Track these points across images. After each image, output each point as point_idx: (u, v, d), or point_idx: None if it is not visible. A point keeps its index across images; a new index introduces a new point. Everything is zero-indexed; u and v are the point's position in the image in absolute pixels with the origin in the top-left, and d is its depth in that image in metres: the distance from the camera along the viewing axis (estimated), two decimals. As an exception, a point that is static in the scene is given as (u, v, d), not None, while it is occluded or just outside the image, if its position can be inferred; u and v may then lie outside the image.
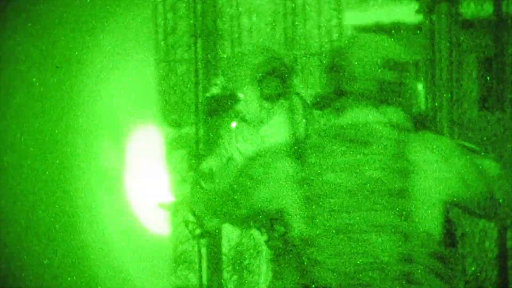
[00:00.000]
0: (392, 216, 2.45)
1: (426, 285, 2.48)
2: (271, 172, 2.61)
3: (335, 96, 2.62)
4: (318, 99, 2.78)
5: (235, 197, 2.68)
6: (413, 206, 2.46)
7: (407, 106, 2.62)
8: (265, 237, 3.27)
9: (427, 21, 5.35)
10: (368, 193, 2.48)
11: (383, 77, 2.56)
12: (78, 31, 3.34)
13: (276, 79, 3.41)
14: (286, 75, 3.42)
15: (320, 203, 2.50)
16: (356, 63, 2.57)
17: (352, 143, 2.53)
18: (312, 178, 2.52)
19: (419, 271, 2.45)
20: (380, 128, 2.54)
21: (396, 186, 2.46)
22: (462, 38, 5.34)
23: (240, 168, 2.75)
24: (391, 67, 2.55)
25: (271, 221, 3.01)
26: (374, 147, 2.50)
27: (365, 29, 13.09)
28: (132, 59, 3.37)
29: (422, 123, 2.62)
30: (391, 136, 2.53)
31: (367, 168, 2.49)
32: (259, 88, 3.41)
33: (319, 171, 2.52)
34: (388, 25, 12.25)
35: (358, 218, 2.48)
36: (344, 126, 2.57)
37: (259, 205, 2.66)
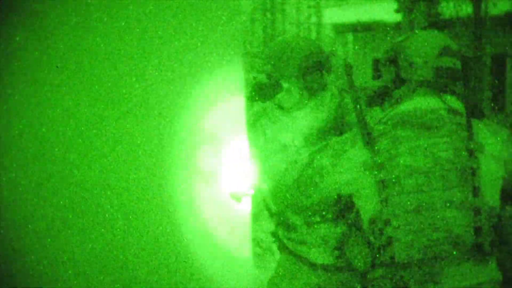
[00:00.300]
0: (463, 193, 2.65)
1: (494, 255, 2.68)
2: (341, 161, 2.77)
3: (394, 86, 2.82)
4: (376, 90, 2.93)
5: (303, 188, 2.85)
6: (481, 183, 2.66)
7: (462, 94, 2.79)
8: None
9: (406, 20, 5.42)
10: (440, 172, 2.67)
11: (440, 64, 2.76)
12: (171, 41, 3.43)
13: (319, 71, 3.52)
14: (327, 68, 3.54)
15: (395, 185, 2.66)
16: (415, 53, 2.77)
17: (420, 128, 2.71)
18: (385, 162, 2.68)
19: (487, 242, 2.64)
20: (444, 113, 2.72)
21: (466, 164, 2.66)
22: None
23: (307, 161, 2.89)
24: (447, 54, 2.74)
25: (342, 210, 3.13)
26: (442, 131, 2.69)
27: (344, 27, 13.13)
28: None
29: (477, 111, 2.78)
30: (455, 120, 2.72)
31: (438, 149, 2.68)
32: (303, 79, 3.50)
33: (391, 156, 2.68)
34: (367, 23, 12.30)
35: (431, 196, 2.66)
36: (409, 112, 2.74)
37: (328, 193, 2.82)
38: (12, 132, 3.25)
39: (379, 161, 2.69)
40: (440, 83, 2.77)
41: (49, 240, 3.33)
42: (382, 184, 2.67)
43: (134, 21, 3.35)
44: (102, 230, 3.38)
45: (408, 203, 2.66)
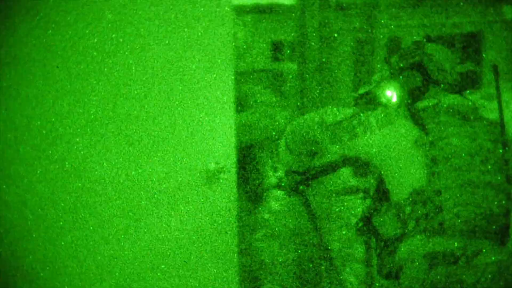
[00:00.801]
0: (499, 178, 2.99)
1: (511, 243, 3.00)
2: (388, 128, 3.04)
3: (425, 87, 3.14)
4: (411, 90, 3.18)
5: (339, 133, 3.09)
6: None
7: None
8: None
9: (299, 3, 5.38)
10: (482, 157, 3.00)
11: (464, 69, 3.12)
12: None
13: None
14: None
15: (446, 161, 2.97)
16: (443, 59, 3.12)
17: (461, 118, 3.03)
18: (436, 141, 2.99)
19: (510, 228, 3.00)
20: (474, 109, 3.08)
21: (501, 155, 3.00)
22: (333, 20, 5.40)
23: (351, 113, 3.12)
24: (468, 60, 3.08)
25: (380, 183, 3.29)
26: (479, 122, 3.06)
27: (243, 9, 13.12)
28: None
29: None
30: (484, 115, 3.07)
31: (479, 137, 3.02)
32: None
33: (441, 136, 3.00)
34: (266, 6, 12.33)
35: (474, 176, 2.99)
36: (448, 104, 3.06)
37: (358, 150, 3.10)
38: (12, 132, 3.29)
39: (432, 139, 2.99)
40: (462, 87, 3.11)
41: (48, 240, 3.36)
42: (433, 160, 2.96)
43: (135, 19, 3.42)
44: (102, 230, 3.44)
45: (455, 178, 2.96)
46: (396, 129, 3.07)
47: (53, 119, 3.35)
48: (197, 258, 3.62)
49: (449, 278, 2.96)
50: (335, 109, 3.21)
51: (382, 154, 3.08)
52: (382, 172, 3.11)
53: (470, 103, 3.10)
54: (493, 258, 2.95)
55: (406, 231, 3.02)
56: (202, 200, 3.60)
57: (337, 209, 5.07)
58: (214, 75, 3.61)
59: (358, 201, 4.87)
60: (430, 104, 3.10)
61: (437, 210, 2.98)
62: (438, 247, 2.97)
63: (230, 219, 3.67)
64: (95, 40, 3.37)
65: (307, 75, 5.45)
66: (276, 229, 4.94)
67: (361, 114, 3.13)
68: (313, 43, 5.24)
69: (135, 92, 3.48)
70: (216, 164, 3.53)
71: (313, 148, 3.28)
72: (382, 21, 6.13)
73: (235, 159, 3.63)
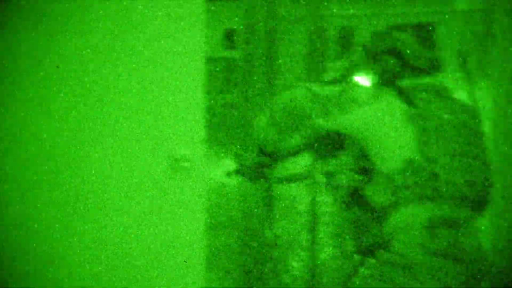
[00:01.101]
0: (478, 150, 3.11)
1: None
2: (376, 104, 3.13)
3: (402, 71, 3.22)
4: (387, 74, 3.25)
5: (329, 107, 3.16)
6: (487, 145, 3.16)
7: None
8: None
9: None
10: (466, 129, 3.13)
11: (432, 55, 3.19)
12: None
13: None
14: None
15: (436, 132, 3.09)
16: (416, 45, 3.23)
17: (439, 95, 3.17)
18: (426, 114, 3.10)
19: (487, 198, 3.14)
20: (446, 89, 3.21)
21: (478, 129, 3.15)
22: (283, 8, 5.41)
23: (339, 90, 3.18)
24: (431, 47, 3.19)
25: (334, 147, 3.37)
26: (456, 99, 3.19)
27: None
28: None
29: None
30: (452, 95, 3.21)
31: (457, 112, 3.15)
32: None
33: (428, 109, 3.12)
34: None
35: (460, 147, 3.09)
36: (427, 84, 3.20)
37: (343, 125, 3.15)
38: (12, 132, 3.30)
39: (421, 112, 3.09)
40: (430, 71, 3.22)
41: (48, 240, 3.36)
42: (424, 130, 3.08)
43: (134, 19, 3.42)
44: (102, 230, 3.43)
45: (448, 147, 3.07)
46: (384, 104, 3.12)
47: (53, 119, 3.36)
48: (164, 250, 3.64)
49: (450, 242, 3.01)
50: (321, 84, 3.27)
51: (371, 128, 3.13)
52: (369, 146, 3.15)
53: (441, 84, 3.23)
54: (487, 225, 3.08)
55: (399, 199, 3.06)
56: (169, 190, 3.61)
57: (282, 196, 5.09)
58: (184, 61, 3.63)
59: (304, 189, 4.89)
60: (409, 84, 3.19)
61: (431, 177, 3.06)
62: (436, 212, 3.05)
63: (200, 209, 3.69)
64: (94, 39, 3.40)
65: (255, 63, 5.45)
66: (223, 217, 4.94)
67: (350, 90, 3.18)
68: (261, 31, 5.24)
69: (121, 85, 3.51)
70: (183, 152, 3.54)
71: (300, 122, 3.28)
72: (332, 10, 6.15)
73: (204, 146, 3.64)
